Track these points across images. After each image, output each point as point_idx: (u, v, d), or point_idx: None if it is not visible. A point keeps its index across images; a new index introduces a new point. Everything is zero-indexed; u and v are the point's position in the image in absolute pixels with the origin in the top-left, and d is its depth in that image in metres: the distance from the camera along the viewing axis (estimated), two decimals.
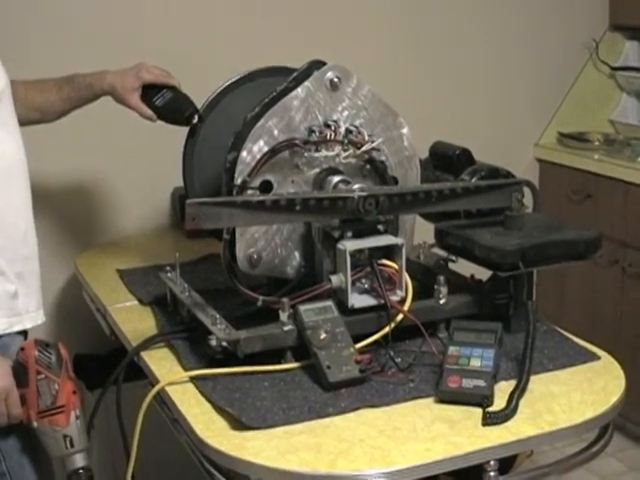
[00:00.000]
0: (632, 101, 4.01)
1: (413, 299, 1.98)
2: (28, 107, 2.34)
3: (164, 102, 2.33)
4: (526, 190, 2.16)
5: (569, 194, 3.73)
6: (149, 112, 2.34)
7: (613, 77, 3.99)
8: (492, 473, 1.68)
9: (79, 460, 1.80)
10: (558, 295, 3.78)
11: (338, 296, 1.97)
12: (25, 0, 2.96)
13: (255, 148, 2.02)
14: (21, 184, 1.95)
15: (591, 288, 3.69)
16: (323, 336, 1.86)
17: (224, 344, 1.91)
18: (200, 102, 2.27)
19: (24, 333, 1.96)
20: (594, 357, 1.98)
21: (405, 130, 2.16)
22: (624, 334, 3.54)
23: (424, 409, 1.77)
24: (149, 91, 2.35)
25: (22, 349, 1.82)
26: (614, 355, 2.00)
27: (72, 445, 1.79)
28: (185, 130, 2.28)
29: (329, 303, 1.94)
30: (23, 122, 2.06)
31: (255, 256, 2.06)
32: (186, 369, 1.94)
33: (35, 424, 1.79)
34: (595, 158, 3.68)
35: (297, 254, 2.11)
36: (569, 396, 1.82)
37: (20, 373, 1.80)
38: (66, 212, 3.09)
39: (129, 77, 2.34)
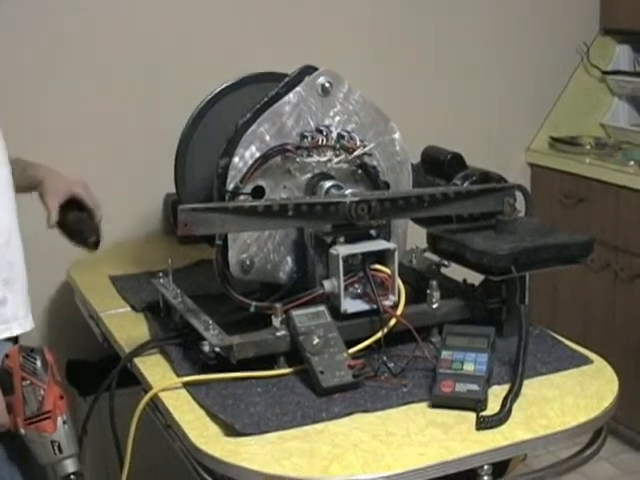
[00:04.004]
0: (623, 105, 4.01)
1: (406, 304, 1.98)
2: None
3: (75, 218, 2.18)
4: (518, 194, 2.16)
5: (561, 198, 3.73)
6: (54, 219, 2.15)
7: (604, 81, 3.99)
8: (486, 477, 1.68)
9: (69, 465, 1.78)
10: (550, 299, 3.78)
11: (331, 301, 1.98)
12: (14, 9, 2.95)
13: (247, 154, 2.02)
14: (2, 189, 1.91)
15: (583, 292, 3.69)
16: (316, 341, 1.86)
17: (217, 350, 1.91)
18: (192, 108, 2.27)
19: (15, 340, 1.93)
20: (587, 361, 1.99)
21: (397, 135, 2.17)
22: (616, 338, 3.55)
23: (417, 414, 1.77)
24: (71, 205, 2.19)
25: (7, 356, 1.80)
26: (606, 359, 2.00)
27: (61, 451, 1.76)
28: (176, 136, 2.28)
29: (322, 308, 1.94)
30: None
31: (248, 262, 2.06)
32: (179, 375, 1.94)
33: (22, 431, 1.77)
34: (587, 162, 3.68)
35: (290, 259, 2.11)
36: (562, 400, 1.82)
37: (5, 380, 1.78)
38: None
39: (62, 182, 2.21)
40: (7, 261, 1.89)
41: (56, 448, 1.76)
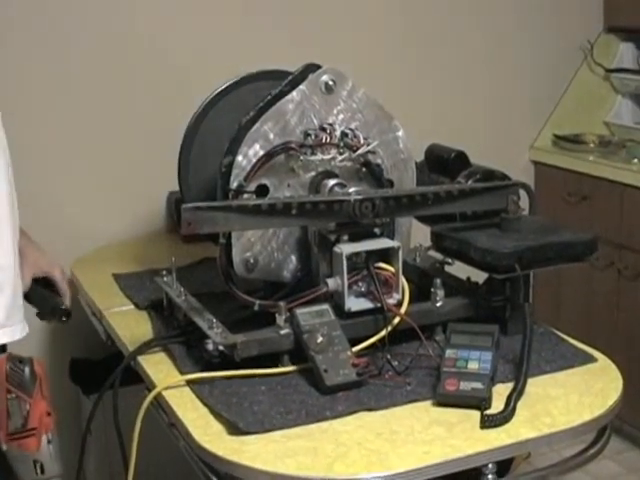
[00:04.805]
0: (627, 103, 4.00)
1: (410, 302, 1.98)
2: None
3: (42, 293, 2.05)
4: (522, 192, 2.16)
5: (564, 196, 3.73)
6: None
7: (608, 79, 3.98)
8: (490, 476, 1.68)
9: None
10: (554, 297, 3.77)
11: (335, 299, 1.97)
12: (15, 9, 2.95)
13: (251, 152, 2.02)
14: None
15: (587, 290, 3.68)
16: (320, 340, 1.86)
17: (221, 348, 1.91)
18: (195, 106, 2.26)
19: (2, 348, 1.78)
20: (591, 359, 1.98)
21: (400, 133, 2.16)
22: (620, 336, 3.54)
23: (422, 412, 1.77)
24: (44, 282, 2.08)
25: None
26: (610, 357, 2.00)
27: (43, 471, 1.67)
28: (179, 134, 2.27)
29: (326, 307, 1.94)
30: None
31: (251, 260, 2.06)
32: (183, 373, 1.94)
33: (4, 447, 1.66)
34: (590, 160, 3.68)
35: (293, 258, 2.10)
36: (567, 398, 1.82)
37: None
38: (61, 216, 3.09)
39: (42, 257, 2.09)
40: None
41: (38, 468, 1.67)
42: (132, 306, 2.40)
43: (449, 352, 1.85)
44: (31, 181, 2.85)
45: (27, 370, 1.68)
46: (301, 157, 2.06)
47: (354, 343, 1.91)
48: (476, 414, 1.73)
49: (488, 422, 1.70)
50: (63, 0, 3.01)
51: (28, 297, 1.96)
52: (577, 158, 3.73)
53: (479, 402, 1.75)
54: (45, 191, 3.03)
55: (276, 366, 1.92)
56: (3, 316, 1.75)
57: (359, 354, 1.90)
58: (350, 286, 1.96)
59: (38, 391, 1.68)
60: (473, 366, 1.81)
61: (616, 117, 3.99)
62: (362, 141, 2.10)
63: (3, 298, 1.76)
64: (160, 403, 1.91)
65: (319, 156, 2.08)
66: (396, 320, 1.95)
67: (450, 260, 2.20)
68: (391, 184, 2.15)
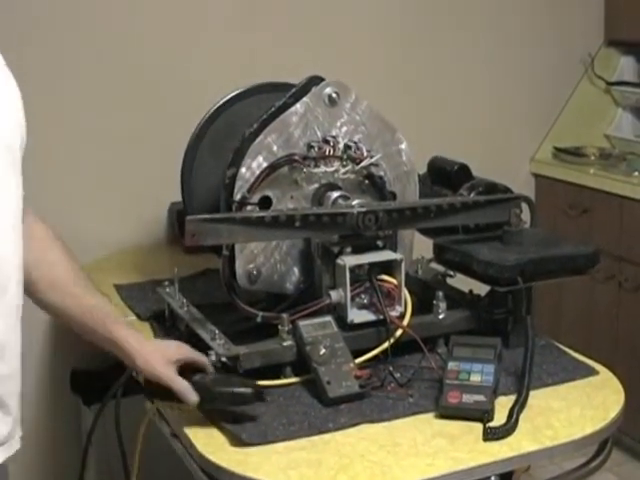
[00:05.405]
0: (627, 116, 4.01)
1: (412, 314, 1.98)
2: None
3: (214, 379, 1.85)
4: (523, 205, 2.16)
5: (565, 209, 3.73)
6: (195, 399, 1.77)
7: (609, 92, 3.99)
8: None
9: None
10: (555, 310, 3.77)
11: (337, 311, 1.98)
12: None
13: (254, 164, 2.03)
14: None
15: (588, 303, 3.69)
16: (322, 351, 1.86)
17: (223, 360, 1.91)
18: (199, 118, 2.27)
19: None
20: (593, 372, 1.98)
21: (403, 145, 2.17)
22: (620, 349, 3.54)
23: (424, 424, 1.77)
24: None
25: None
26: (610, 369, 2.00)
27: None
28: (182, 145, 2.28)
29: (328, 318, 1.95)
30: None
31: (254, 272, 2.06)
32: None
33: None
34: (591, 173, 3.69)
35: (296, 270, 2.11)
36: (568, 411, 1.82)
37: None
38: (62, 227, 3.07)
39: (162, 346, 1.89)
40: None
41: None
42: (134, 317, 2.40)
43: (451, 364, 1.86)
44: (32, 189, 2.85)
45: None
46: (304, 169, 2.07)
47: (357, 355, 1.92)
48: (479, 426, 1.73)
49: (491, 434, 1.71)
50: (70, 5, 3.02)
51: (212, 401, 1.79)
52: (578, 171, 3.74)
53: (482, 414, 1.75)
54: (45, 199, 3.02)
55: (279, 378, 1.92)
56: (7, 430, 1.56)
57: (362, 366, 1.90)
58: (353, 298, 1.97)
59: None
60: (475, 378, 1.82)
61: (617, 130, 4.00)
62: (365, 153, 2.10)
63: (9, 414, 1.57)
64: (162, 414, 1.91)
65: (322, 168, 2.08)
66: (398, 332, 1.96)
67: (452, 272, 2.20)
68: (394, 196, 2.16)
